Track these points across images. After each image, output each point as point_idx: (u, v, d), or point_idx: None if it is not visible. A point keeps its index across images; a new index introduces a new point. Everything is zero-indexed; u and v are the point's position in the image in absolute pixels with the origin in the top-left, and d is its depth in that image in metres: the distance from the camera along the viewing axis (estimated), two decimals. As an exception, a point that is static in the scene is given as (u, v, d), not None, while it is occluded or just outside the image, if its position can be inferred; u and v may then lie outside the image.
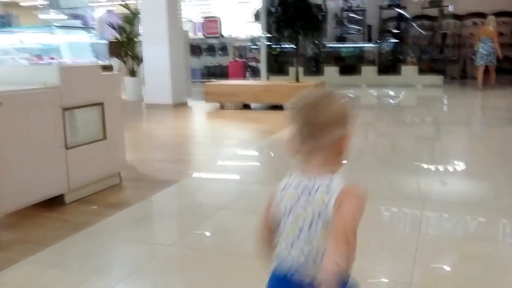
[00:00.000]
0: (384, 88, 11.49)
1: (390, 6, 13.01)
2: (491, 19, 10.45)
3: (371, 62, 12.65)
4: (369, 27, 13.28)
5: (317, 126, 1.10)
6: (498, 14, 16.06)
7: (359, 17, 13.72)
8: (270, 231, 1.20)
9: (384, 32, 13.77)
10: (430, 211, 2.94)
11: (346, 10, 13.69)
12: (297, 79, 8.13)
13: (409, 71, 12.01)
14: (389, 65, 12.69)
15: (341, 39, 13.73)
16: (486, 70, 10.28)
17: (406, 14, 12.88)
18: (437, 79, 11.71)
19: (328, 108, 1.11)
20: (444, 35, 12.43)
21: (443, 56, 12.26)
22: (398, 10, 12.84)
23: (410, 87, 11.60)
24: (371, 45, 13.18)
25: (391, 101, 10.09)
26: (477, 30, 11.09)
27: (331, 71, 12.76)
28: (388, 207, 3.00)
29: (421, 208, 2.95)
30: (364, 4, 13.51)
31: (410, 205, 3.07)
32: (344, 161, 1.17)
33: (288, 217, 1.15)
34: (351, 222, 1.05)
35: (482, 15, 12.45)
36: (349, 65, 13.00)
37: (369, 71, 12.45)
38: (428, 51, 12.95)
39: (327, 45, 13.54)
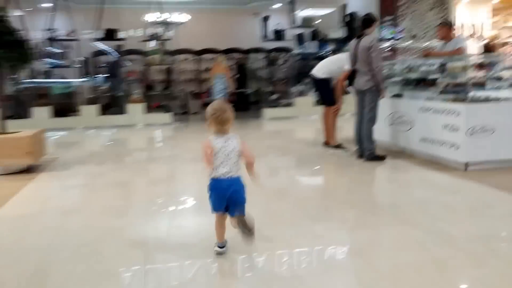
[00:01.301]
0: (104, 130, 10.20)
1: (103, 39, 11.64)
2: (222, 57, 11.49)
3: (92, 101, 10.90)
4: (85, 60, 11.54)
5: (227, 118, 2.79)
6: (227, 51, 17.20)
7: (69, 49, 11.83)
8: (212, 160, 2.78)
9: (100, 67, 12.30)
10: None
11: (53, 40, 11.54)
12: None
13: (135, 109, 10.89)
14: (112, 104, 11.24)
15: (50, 74, 11.49)
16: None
17: (112, 49, 11.78)
18: (165, 117, 11.03)
19: (228, 112, 2.81)
20: (169, 70, 11.87)
21: (170, 92, 11.64)
22: (101, 45, 11.51)
23: (134, 127, 10.54)
24: (88, 81, 11.44)
25: (107, 142, 8.75)
26: (213, 67, 11.64)
27: (42, 113, 10.42)
28: None
29: None
30: (75, 34, 11.69)
31: None
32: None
33: (219, 151, 2.78)
34: (248, 150, 2.84)
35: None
36: (64, 105, 10.94)
37: (89, 111, 10.71)
38: (152, 87, 12.18)
39: (34, 80, 11.08)
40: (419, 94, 5.72)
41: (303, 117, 11.38)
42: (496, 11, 12.26)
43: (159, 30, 12.04)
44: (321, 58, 11.69)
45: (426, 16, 11.80)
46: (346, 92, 6.62)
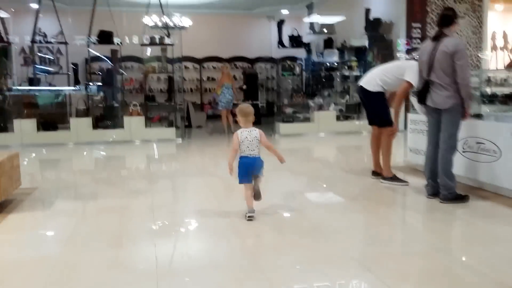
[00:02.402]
0: (97, 146, 8.92)
1: (97, 43, 10.27)
2: (228, 66, 11.24)
3: (84, 113, 9.52)
4: (75, 66, 10.17)
5: (249, 112, 3.79)
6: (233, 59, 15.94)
7: (59, 55, 10.46)
8: (238, 147, 3.76)
9: (93, 74, 10.96)
10: None
11: (38, 43, 10.14)
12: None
13: (133, 123, 9.53)
14: (106, 116, 9.88)
15: (35, 81, 10.10)
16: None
17: (107, 55, 10.40)
18: (167, 131, 9.68)
19: (250, 108, 3.85)
20: (171, 79, 10.54)
21: (172, 103, 10.30)
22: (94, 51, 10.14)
23: (132, 143, 9.18)
24: (80, 89, 10.04)
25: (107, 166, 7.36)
26: (221, 76, 11.00)
27: (26, 126, 9.03)
28: None
29: None
30: (64, 36, 10.33)
31: None
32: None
33: (245, 139, 3.73)
34: (265, 138, 3.84)
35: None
36: (52, 117, 9.56)
37: (81, 125, 9.33)
38: (152, 98, 10.85)
39: (18, 88, 9.71)
40: (508, 115, 4.42)
41: (323, 134, 10.10)
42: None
43: (160, 35, 10.74)
44: (343, 67, 10.73)
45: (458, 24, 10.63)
46: (408, 110, 5.36)
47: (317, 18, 10.66)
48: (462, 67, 4.02)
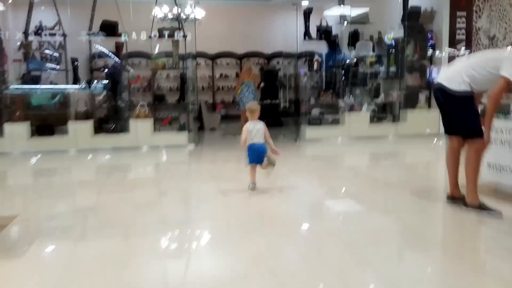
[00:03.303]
0: (100, 153, 7.82)
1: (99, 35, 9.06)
2: (250, 62, 10.90)
3: (85, 115, 8.37)
4: (74, 62, 9.00)
5: (255, 109, 4.92)
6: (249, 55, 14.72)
7: (59, 50, 9.30)
8: (247, 137, 4.80)
9: (96, 70, 9.82)
10: None
11: (31, 35, 8.92)
12: None
13: (140, 126, 8.38)
14: (111, 119, 8.73)
15: (31, 79, 8.93)
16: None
17: (112, 50, 9.21)
18: (178, 136, 8.51)
19: (256, 105, 5.03)
20: (183, 77, 9.35)
21: (184, 104, 9.12)
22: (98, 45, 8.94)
23: (139, 150, 8.03)
24: (80, 88, 8.87)
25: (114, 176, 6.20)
26: (240, 73, 10.58)
27: (18, 131, 7.91)
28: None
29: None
30: (62, 27, 9.16)
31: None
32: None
33: (253, 130, 4.80)
34: (267, 131, 4.91)
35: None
36: (49, 120, 8.42)
37: (81, 129, 8.18)
38: (162, 97, 9.68)
39: (10, 87, 8.57)
40: None
41: (355, 139, 8.87)
42: None
43: (170, 28, 9.57)
44: (378, 62, 9.47)
45: (509, 14, 9.34)
46: (504, 114, 4.14)
47: (347, 8, 9.37)
48: None
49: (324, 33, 8.93)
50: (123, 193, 5.15)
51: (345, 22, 9.18)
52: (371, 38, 10.03)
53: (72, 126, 8.16)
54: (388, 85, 9.86)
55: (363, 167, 6.99)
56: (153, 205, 4.72)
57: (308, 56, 10.79)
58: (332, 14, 9.98)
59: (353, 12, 9.45)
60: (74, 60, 9.07)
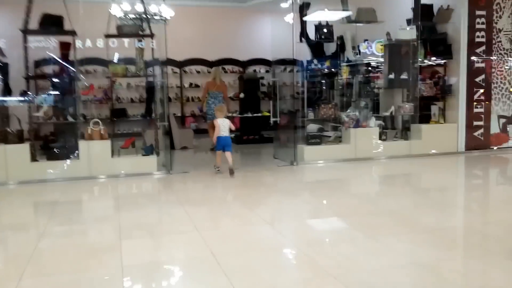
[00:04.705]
0: (41, 186, 5.87)
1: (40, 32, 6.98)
2: (218, 70, 9.39)
3: (21, 136, 6.35)
4: (3, 67, 6.86)
5: (222, 109, 6.69)
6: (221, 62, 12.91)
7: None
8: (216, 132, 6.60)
9: (34, 78, 7.76)
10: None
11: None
12: None
13: (95, 149, 6.44)
14: (55, 140, 6.74)
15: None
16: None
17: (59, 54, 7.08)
18: (145, 161, 6.64)
19: (224, 107, 6.97)
20: (150, 87, 7.43)
21: (151, 118, 7.25)
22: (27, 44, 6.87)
23: (94, 181, 6.13)
24: (16, 101, 6.79)
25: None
26: (206, 83, 9.12)
27: None
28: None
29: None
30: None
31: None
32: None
33: (221, 125, 6.47)
34: (232, 124, 6.68)
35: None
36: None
37: (16, 155, 6.18)
38: (122, 111, 7.71)
39: None
40: None
41: (363, 160, 7.28)
42: None
43: (133, 26, 7.76)
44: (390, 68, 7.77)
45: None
46: None
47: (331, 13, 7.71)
48: None
49: (327, 31, 7.28)
50: (60, 253, 3.24)
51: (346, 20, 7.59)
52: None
53: (5, 150, 6.14)
54: (391, 95, 8.34)
55: (394, 205, 5.30)
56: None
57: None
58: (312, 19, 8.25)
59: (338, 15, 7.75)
60: (3, 64, 6.99)
